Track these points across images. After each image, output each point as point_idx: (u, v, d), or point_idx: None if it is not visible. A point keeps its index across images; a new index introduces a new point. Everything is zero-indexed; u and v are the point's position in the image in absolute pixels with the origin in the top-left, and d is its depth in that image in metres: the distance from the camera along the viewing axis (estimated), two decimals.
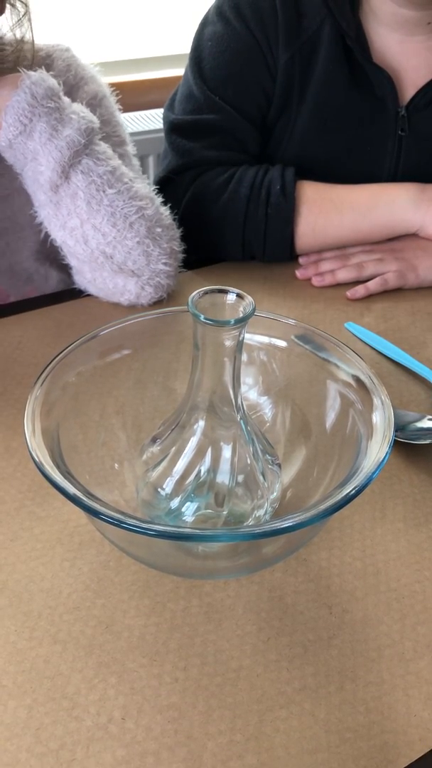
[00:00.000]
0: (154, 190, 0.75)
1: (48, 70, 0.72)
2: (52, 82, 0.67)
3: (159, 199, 0.74)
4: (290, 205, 0.81)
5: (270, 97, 0.87)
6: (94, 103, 0.79)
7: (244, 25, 0.84)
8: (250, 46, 0.84)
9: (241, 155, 0.88)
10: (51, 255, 0.82)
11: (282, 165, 0.84)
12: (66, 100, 0.68)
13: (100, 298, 0.76)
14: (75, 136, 0.67)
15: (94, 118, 0.70)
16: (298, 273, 0.83)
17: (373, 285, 0.79)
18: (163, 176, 0.89)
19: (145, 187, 0.73)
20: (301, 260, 0.85)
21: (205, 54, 0.86)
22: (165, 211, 0.74)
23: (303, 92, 0.86)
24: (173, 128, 0.88)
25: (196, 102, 0.86)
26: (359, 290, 0.79)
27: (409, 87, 0.86)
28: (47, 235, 0.74)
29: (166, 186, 0.87)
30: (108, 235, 0.69)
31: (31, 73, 0.67)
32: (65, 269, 0.81)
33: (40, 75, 0.67)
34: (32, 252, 0.82)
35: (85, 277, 0.75)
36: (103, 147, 0.70)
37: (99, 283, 0.74)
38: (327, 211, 0.82)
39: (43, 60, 0.76)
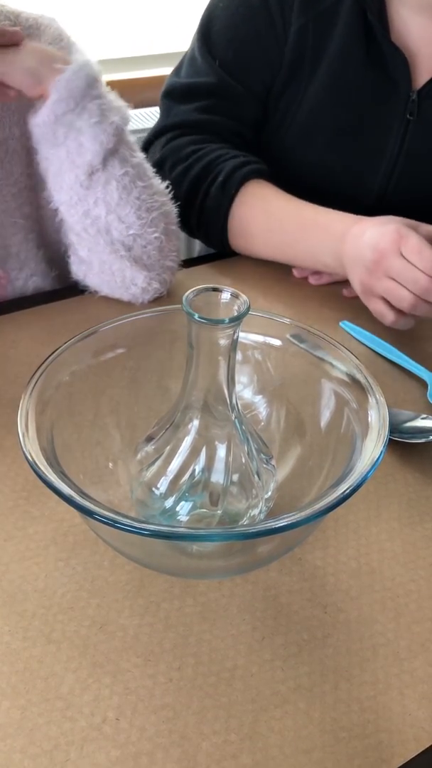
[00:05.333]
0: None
1: (38, 38, 0.71)
2: (97, 67, 0.67)
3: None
4: (226, 203, 0.81)
5: (274, 65, 0.85)
6: None
7: None
8: (259, 11, 0.83)
9: (233, 122, 0.86)
10: (45, 245, 0.80)
11: (247, 160, 0.82)
12: (105, 86, 0.68)
13: (100, 292, 0.74)
14: (120, 124, 0.67)
15: (127, 108, 0.70)
16: (295, 271, 0.83)
17: None
18: (146, 138, 0.89)
19: (161, 183, 0.73)
20: None
21: (214, 15, 0.85)
22: (174, 210, 0.74)
23: (316, 63, 0.84)
24: (167, 91, 0.88)
25: (195, 64, 0.86)
26: None
27: (424, 72, 0.85)
28: (40, 222, 0.72)
29: (147, 148, 0.87)
30: (132, 226, 0.69)
31: (78, 55, 0.66)
32: (48, 278, 0.79)
33: (87, 58, 0.67)
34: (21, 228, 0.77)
35: (92, 268, 0.73)
36: (133, 139, 0.70)
37: (106, 275, 0.73)
38: (259, 223, 0.81)
39: (31, 28, 0.73)
